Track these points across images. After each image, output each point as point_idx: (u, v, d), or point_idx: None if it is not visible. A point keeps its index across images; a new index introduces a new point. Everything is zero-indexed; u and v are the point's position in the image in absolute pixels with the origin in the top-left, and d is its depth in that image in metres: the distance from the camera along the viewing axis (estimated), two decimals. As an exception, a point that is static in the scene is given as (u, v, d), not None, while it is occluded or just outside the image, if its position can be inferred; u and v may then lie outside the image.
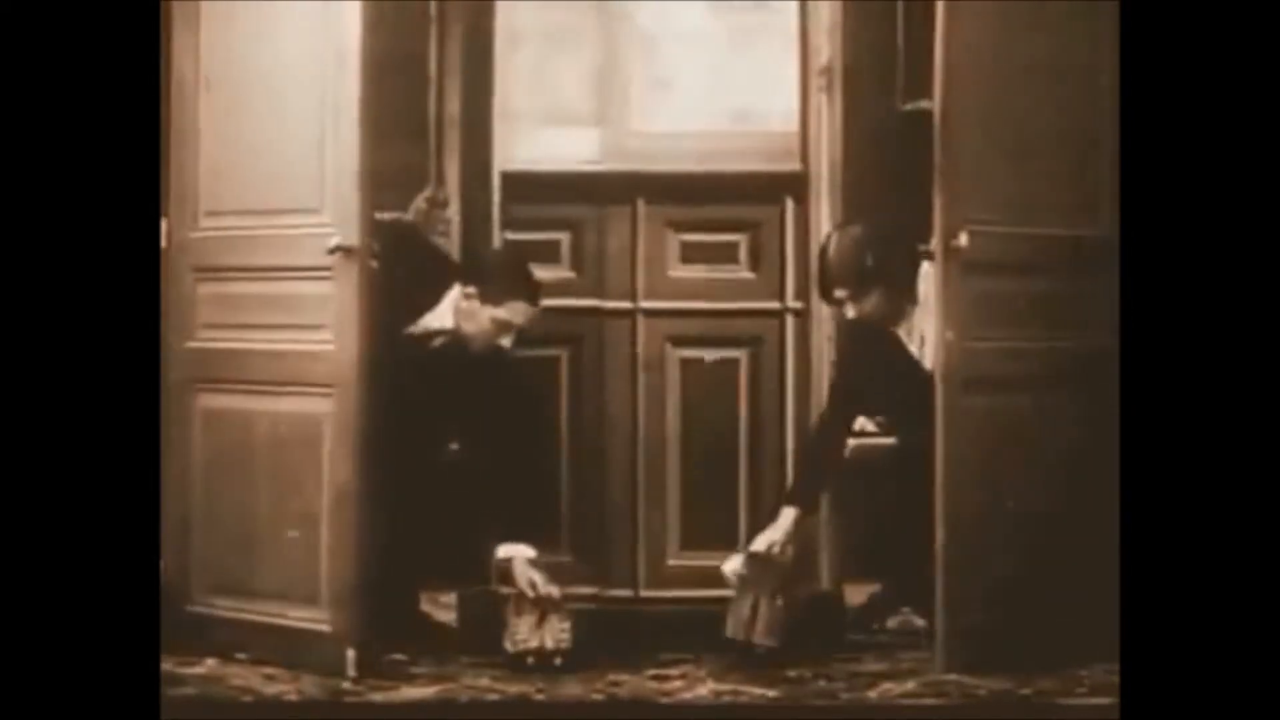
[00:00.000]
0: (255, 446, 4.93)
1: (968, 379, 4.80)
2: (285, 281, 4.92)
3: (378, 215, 4.79)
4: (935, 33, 4.80)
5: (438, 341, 4.97)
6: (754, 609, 4.92)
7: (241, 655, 4.83)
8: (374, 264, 4.80)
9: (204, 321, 5.07)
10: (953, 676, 4.65)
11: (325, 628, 4.75)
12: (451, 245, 5.47)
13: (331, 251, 4.75)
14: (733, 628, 4.90)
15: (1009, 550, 4.83)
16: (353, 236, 4.75)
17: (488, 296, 4.88)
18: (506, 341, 4.89)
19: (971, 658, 4.70)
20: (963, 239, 4.77)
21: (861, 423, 5.89)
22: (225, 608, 4.94)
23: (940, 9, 4.79)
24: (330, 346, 4.80)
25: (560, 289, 5.25)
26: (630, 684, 4.68)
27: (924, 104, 5.04)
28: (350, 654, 4.69)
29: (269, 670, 4.74)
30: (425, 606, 5.36)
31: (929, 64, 4.84)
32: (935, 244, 4.81)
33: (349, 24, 4.75)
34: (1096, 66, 4.94)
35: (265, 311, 4.96)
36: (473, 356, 4.89)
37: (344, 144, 4.77)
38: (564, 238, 5.26)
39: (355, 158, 4.76)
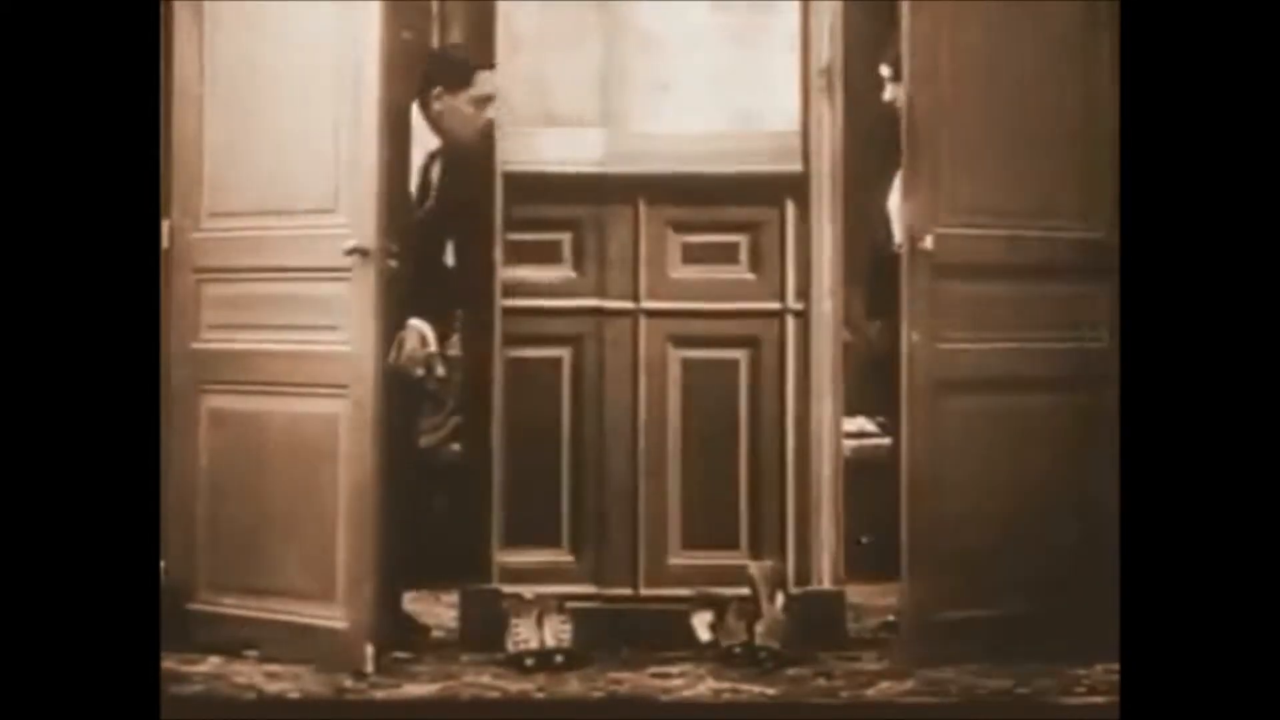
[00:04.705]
0: (267, 447, 4.95)
1: (942, 380, 4.84)
2: (295, 283, 4.94)
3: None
4: (900, 32, 4.87)
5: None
6: (750, 612, 4.95)
7: (251, 653, 4.85)
8: (392, 264, 4.84)
9: (209, 323, 5.10)
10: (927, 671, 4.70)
11: (342, 625, 4.78)
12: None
13: (349, 253, 4.78)
14: (724, 634, 4.94)
15: (993, 547, 4.87)
16: (369, 238, 4.78)
17: (451, 85, 5.10)
18: (492, 113, 5.13)
19: (938, 653, 4.74)
20: (929, 241, 4.82)
21: (860, 423, 5.91)
22: (234, 606, 4.96)
23: (905, 8, 4.84)
24: (346, 348, 4.82)
25: (562, 289, 5.26)
26: (630, 683, 4.69)
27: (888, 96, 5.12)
28: (369, 650, 4.72)
29: (272, 668, 4.75)
30: (422, 606, 5.39)
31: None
32: (903, 245, 4.87)
33: (370, 24, 4.78)
34: (1095, 67, 4.97)
35: (276, 312, 4.98)
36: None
37: (361, 145, 4.80)
38: (565, 238, 5.26)
39: (374, 159, 4.79)
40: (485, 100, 5.15)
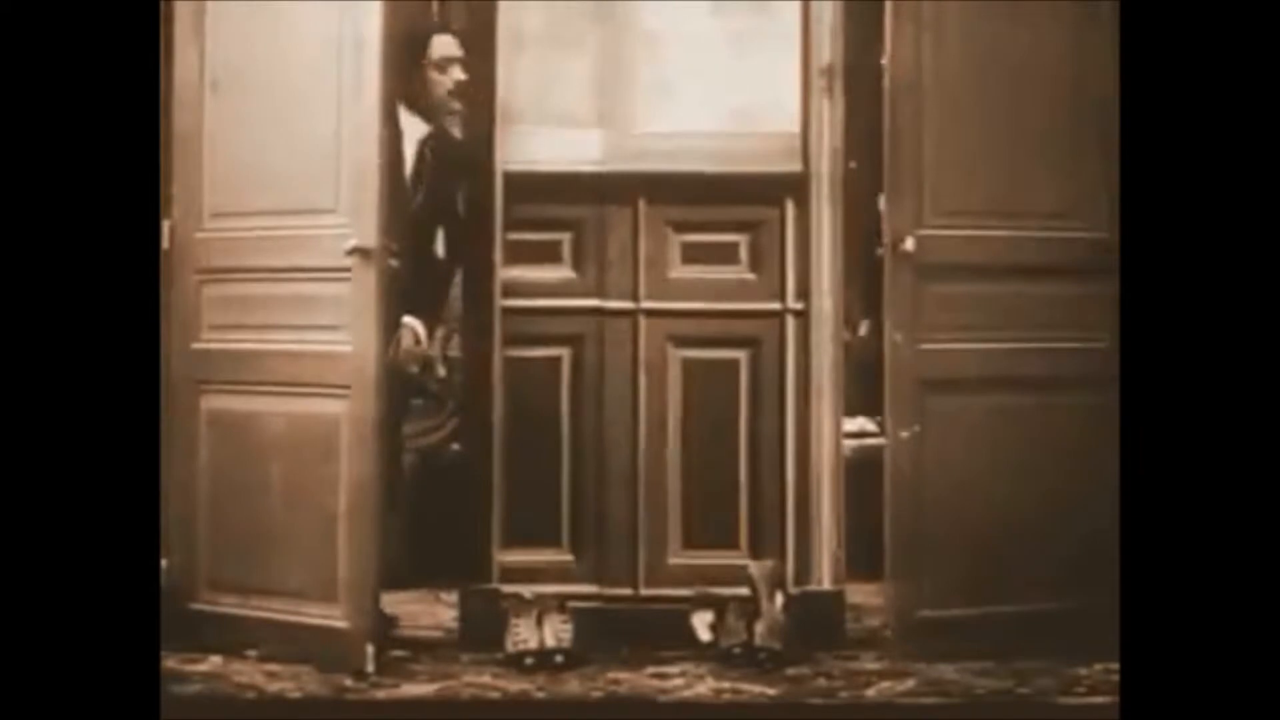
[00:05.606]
0: (267, 447, 4.95)
1: (930, 381, 4.86)
2: (296, 283, 4.95)
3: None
4: (884, 34, 4.88)
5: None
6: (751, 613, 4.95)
7: (251, 652, 4.85)
8: (393, 263, 4.85)
9: (210, 323, 5.10)
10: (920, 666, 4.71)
11: (343, 624, 4.78)
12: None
13: (349, 253, 4.78)
14: (725, 635, 4.94)
15: (992, 547, 4.88)
16: (370, 238, 4.78)
17: (415, 58, 5.17)
18: (459, 74, 5.18)
19: (937, 652, 4.75)
20: (909, 243, 4.83)
21: (860, 423, 5.90)
22: (235, 606, 4.97)
23: (888, 6, 4.86)
24: (347, 348, 4.83)
25: (562, 289, 5.26)
26: (630, 683, 4.69)
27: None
28: (369, 650, 4.72)
29: (272, 668, 4.75)
30: (422, 606, 5.39)
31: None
32: (885, 247, 4.88)
33: (368, 22, 4.79)
34: (1093, 65, 4.97)
35: (277, 312, 4.99)
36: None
37: (361, 145, 4.81)
38: (566, 238, 5.26)
39: (374, 158, 4.79)
40: (447, 62, 5.19)
